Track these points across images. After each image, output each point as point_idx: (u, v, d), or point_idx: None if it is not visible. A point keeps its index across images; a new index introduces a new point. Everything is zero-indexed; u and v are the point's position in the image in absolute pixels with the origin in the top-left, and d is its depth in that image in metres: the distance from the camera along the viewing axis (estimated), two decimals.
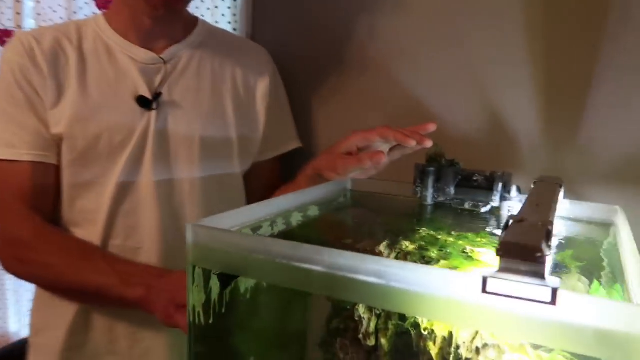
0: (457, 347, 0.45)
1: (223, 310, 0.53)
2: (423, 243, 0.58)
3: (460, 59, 0.89)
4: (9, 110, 0.81)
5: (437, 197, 0.73)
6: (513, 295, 0.36)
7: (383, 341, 0.53)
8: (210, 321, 0.52)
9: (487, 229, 0.64)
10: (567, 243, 0.63)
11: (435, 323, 0.47)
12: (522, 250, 0.35)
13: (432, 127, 0.72)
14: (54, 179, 0.83)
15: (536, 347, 0.44)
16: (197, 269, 0.50)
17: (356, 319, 0.55)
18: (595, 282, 0.54)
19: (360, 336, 0.54)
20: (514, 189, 0.68)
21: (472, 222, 0.68)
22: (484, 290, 0.37)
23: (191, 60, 0.89)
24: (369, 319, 0.54)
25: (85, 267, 0.78)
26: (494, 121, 0.87)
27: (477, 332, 0.45)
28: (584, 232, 0.67)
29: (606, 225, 0.65)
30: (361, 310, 0.54)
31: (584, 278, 0.55)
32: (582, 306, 0.34)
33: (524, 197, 0.69)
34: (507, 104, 0.86)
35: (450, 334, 0.45)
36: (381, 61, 0.96)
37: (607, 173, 0.79)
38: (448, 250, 0.55)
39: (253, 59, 0.96)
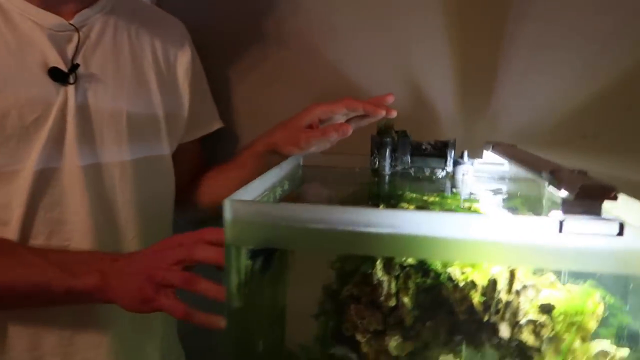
0: (498, 293, 0.49)
1: (252, 289, 0.50)
2: (419, 204, 0.61)
3: (381, 35, 0.93)
4: None
5: (394, 166, 0.76)
6: (586, 232, 0.41)
7: (405, 299, 0.54)
8: (244, 303, 0.48)
9: (457, 190, 0.70)
10: (511, 194, 0.72)
11: (473, 274, 0.51)
12: (602, 191, 0.40)
13: (391, 99, 0.75)
14: None
15: (564, 282, 0.50)
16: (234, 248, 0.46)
17: (374, 283, 0.56)
18: None
19: (382, 298, 0.55)
20: (465, 155, 0.75)
21: (435, 185, 0.73)
22: (560, 231, 0.41)
23: (105, 28, 0.78)
24: (389, 281, 0.55)
25: (10, 265, 0.64)
26: (414, 93, 0.94)
27: (513, 276, 0.49)
28: (520, 186, 0.77)
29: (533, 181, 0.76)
30: (379, 273, 0.55)
31: None
32: None
33: (473, 161, 0.76)
34: (426, 77, 0.93)
35: (494, 282, 0.49)
36: (302, 36, 0.96)
37: (514, 137, 0.91)
38: (452, 208, 0.59)
39: (170, 31, 0.88)
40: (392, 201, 0.62)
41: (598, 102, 0.88)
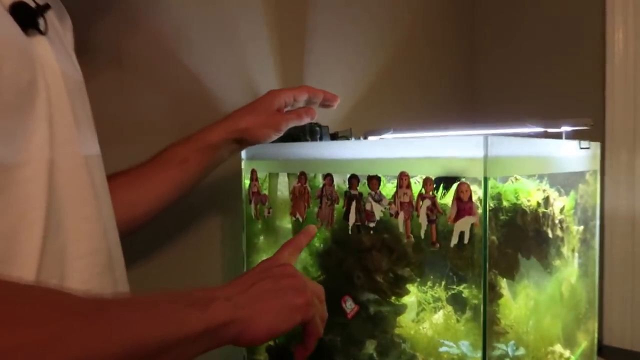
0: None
1: None
2: None
3: (230, 50, 0.94)
4: None
5: None
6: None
7: None
8: None
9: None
10: None
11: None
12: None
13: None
14: None
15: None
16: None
17: None
18: None
19: None
20: (351, 137, 0.88)
21: None
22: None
23: None
24: None
25: (130, 317, 0.37)
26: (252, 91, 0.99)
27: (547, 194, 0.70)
28: None
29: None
30: None
31: None
32: None
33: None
34: (260, 84, 0.99)
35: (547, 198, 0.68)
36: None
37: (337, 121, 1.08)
38: None
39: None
40: None
41: (366, 96, 1.21)
